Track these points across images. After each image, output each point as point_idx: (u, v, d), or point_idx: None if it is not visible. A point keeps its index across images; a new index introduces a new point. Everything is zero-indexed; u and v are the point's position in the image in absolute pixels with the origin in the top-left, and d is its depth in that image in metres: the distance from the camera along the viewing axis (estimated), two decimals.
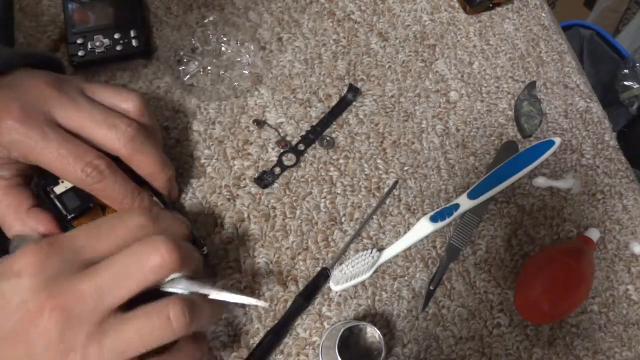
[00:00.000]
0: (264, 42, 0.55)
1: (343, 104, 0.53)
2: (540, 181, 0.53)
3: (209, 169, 0.48)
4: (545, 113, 0.57)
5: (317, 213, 0.48)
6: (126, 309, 0.30)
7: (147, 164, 0.40)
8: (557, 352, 0.46)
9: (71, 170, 0.36)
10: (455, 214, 0.48)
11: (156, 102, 0.50)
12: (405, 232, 0.48)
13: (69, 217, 0.39)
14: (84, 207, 0.40)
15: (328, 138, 0.51)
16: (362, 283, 0.46)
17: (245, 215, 0.47)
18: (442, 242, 0.49)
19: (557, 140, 0.54)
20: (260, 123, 0.51)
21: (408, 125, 0.54)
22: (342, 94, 0.54)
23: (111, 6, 0.51)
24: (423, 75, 0.57)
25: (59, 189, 0.40)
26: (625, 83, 1.03)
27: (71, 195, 0.40)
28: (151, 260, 0.31)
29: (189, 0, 0.56)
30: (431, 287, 0.46)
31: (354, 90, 0.53)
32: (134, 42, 0.50)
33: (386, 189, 0.50)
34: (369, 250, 0.46)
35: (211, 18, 0.54)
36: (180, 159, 0.48)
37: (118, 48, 0.50)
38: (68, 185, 0.40)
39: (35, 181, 0.41)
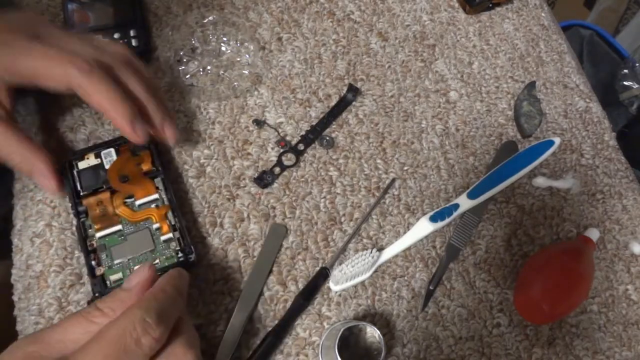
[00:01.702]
0: (264, 42, 0.55)
1: (343, 104, 0.53)
2: (540, 181, 0.53)
3: (208, 169, 0.48)
4: (545, 113, 0.57)
5: (316, 213, 0.48)
6: None
7: (97, 99, 0.38)
8: (557, 352, 0.46)
9: (58, 65, 0.36)
10: (455, 214, 0.48)
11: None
12: (405, 232, 0.48)
13: (81, 194, 0.43)
14: (96, 187, 0.43)
15: (328, 138, 0.51)
16: (362, 283, 0.46)
17: (245, 215, 0.47)
18: (442, 242, 0.49)
19: (557, 140, 0.54)
20: (260, 123, 0.51)
21: (408, 125, 0.54)
22: (342, 94, 0.54)
23: (111, 6, 0.51)
24: (423, 75, 0.57)
25: (82, 165, 0.44)
26: (625, 83, 1.03)
27: (89, 174, 0.44)
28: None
29: (188, 0, 0.56)
30: (431, 287, 0.46)
31: (353, 90, 0.53)
32: (133, 42, 0.50)
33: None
34: (369, 250, 0.46)
35: (211, 18, 0.54)
36: (180, 158, 0.48)
37: None
38: (91, 162, 0.44)
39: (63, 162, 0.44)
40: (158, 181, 0.45)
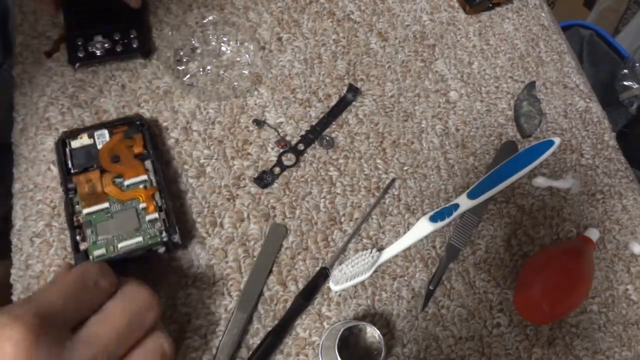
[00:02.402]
0: (264, 42, 0.55)
1: (343, 104, 0.53)
2: (540, 181, 0.53)
3: (208, 169, 0.48)
4: (545, 113, 0.57)
5: (316, 213, 0.48)
6: None
7: None
8: (557, 352, 0.46)
9: None
10: (455, 214, 0.48)
11: (156, 102, 0.50)
12: (404, 232, 0.48)
13: (71, 171, 0.44)
14: (87, 166, 0.44)
15: (328, 138, 0.51)
16: (362, 283, 0.46)
17: (245, 215, 0.47)
18: (442, 242, 0.49)
19: (557, 140, 0.54)
20: (259, 123, 0.51)
21: (408, 125, 0.54)
22: (342, 94, 0.54)
23: (110, 7, 0.51)
24: (423, 75, 0.57)
25: (75, 144, 0.45)
26: (625, 83, 1.03)
27: (81, 153, 0.45)
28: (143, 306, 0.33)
29: (188, 0, 0.56)
30: (431, 287, 0.46)
31: (353, 90, 0.53)
32: (133, 43, 0.50)
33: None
34: (369, 250, 0.46)
35: (211, 18, 0.54)
36: (179, 159, 0.48)
37: (118, 49, 0.50)
38: (84, 142, 0.45)
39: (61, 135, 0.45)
40: (148, 163, 0.45)
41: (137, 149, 0.45)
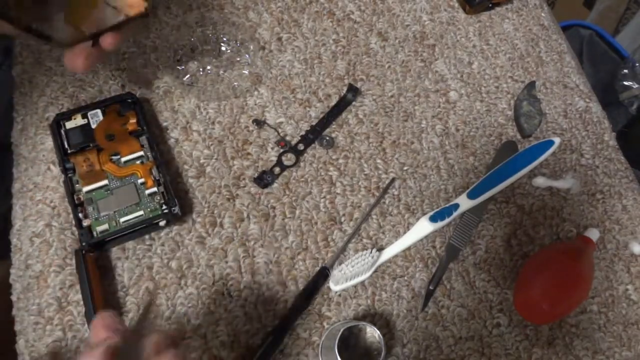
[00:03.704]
0: (264, 42, 0.55)
1: (343, 104, 0.53)
2: (540, 181, 0.53)
3: (208, 169, 0.48)
4: (545, 113, 0.57)
5: (316, 213, 0.48)
6: None
7: None
8: (557, 352, 0.46)
9: None
10: (455, 214, 0.48)
11: (156, 102, 0.50)
12: (404, 232, 0.48)
13: (68, 151, 0.45)
14: (84, 145, 0.45)
15: (328, 138, 0.51)
16: (362, 283, 0.46)
17: (245, 215, 0.47)
18: (442, 242, 0.49)
19: (557, 140, 0.54)
20: (259, 123, 0.51)
21: (408, 125, 0.54)
22: (342, 94, 0.54)
23: None
24: (422, 75, 0.57)
25: (69, 124, 0.46)
26: (625, 83, 1.03)
27: (77, 133, 0.46)
28: None
29: (188, 0, 0.56)
30: (431, 287, 0.46)
31: (353, 90, 0.53)
32: None
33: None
34: (369, 250, 0.46)
35: (211, 18, 0.54)
36: (179, 158, 0.48)
37: None
38: (78, 122, 0.46)
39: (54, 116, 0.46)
40: (143, 139, 0.47)
41: (131, 126, 0.47)
